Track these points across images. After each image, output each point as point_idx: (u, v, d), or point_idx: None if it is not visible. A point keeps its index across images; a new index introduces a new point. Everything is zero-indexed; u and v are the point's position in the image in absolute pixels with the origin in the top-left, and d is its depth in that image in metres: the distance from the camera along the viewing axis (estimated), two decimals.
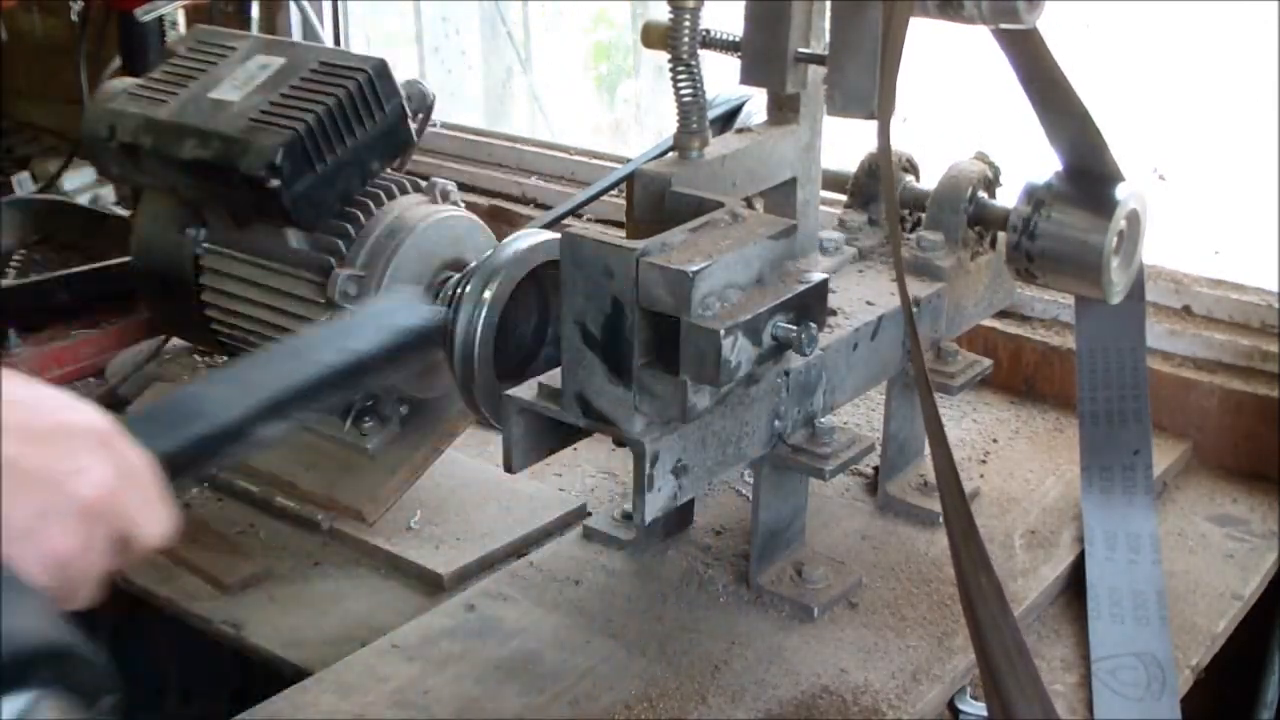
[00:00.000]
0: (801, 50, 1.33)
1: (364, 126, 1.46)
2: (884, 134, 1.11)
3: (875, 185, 1.53)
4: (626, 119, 2.63)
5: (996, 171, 1.47)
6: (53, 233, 2.24)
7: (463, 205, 1.57)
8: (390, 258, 1.46)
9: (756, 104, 1.58)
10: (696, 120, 1.29)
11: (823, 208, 1.49)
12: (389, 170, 1.53)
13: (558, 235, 1.31)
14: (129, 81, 1.62)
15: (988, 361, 1.46)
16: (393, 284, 1.46)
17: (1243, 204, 1.79)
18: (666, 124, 1.69)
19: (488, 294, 1.36)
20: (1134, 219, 1.35)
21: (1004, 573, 1.36)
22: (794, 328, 1.12)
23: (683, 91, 1.28)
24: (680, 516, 1.44)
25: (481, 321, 1.35)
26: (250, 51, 1.57)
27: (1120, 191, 1.33)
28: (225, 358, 1.72)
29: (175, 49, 1.64)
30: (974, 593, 1.06)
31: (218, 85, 1.53)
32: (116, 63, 2.16)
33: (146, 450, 0.80)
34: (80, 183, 2.50)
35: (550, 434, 1.21)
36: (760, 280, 1.13)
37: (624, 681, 1.21)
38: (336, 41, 2.41)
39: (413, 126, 1.53)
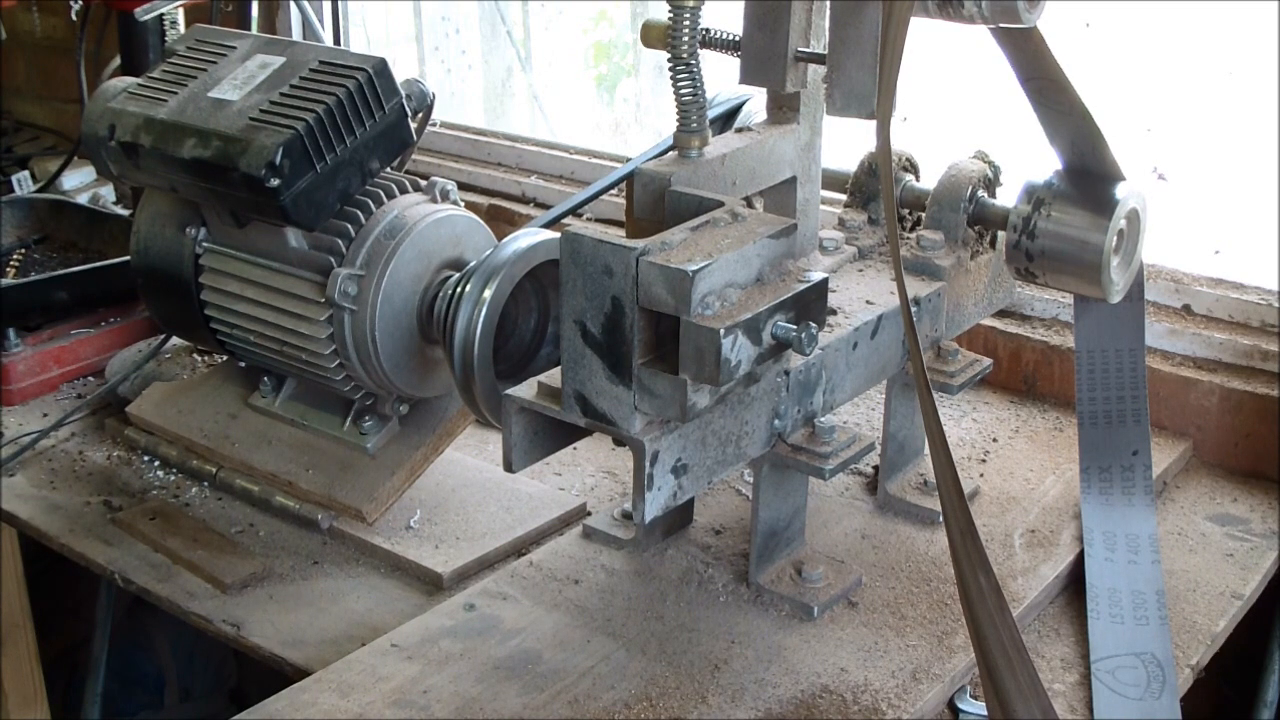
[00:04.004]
0: (801, 50, 1.34)
1: (364, 126, 1.46)
2: (884, 133, 1.11)
3: (875, 184, 1.53)
4: (626, 118, 2.63)
5: (996, 171, 1.47)
6: (53, 232, 2.24)
7: (462, 204, 1.57)
8: (390, 257, 1.46)
9: (756, 103, 1.58)
10: (696, 119, 1.29)
11: (823, 207, 1.49)
12: (389, 170, 1.53)
13: (557, 234, 1.32)
14: (129, 81, 1.62)
15: (988, 361, 1.46)
16: (392, 283, 1.46)
17: (1243, 204, 1.79)
18: (666, 124, 1.69)
19: (487, 293, 1.36)
20: (1134, 218, 1.35)
21: (1004, 572, 1.36)
22: (794, 327, 1.12)
23: (682, 90, 1.28)
24: (680, 516, 1.44)
25: (481, 321, 1.36)
26: (250, 51, 1.57)
27: (1120, 191, 1.33)
28: (225, 357, 1.71)
29: (175, 48, 1.64)
30: (973, 592, 1.05)
31: (217, 85, 1.53)
32: (116, 63, 2.16)
33: None
34: (80, 182, 2.51)
35: (550, 433, 1.21)
36: (760, 279, 1.13)
37: (624, 681, 1.21)
38: (336, 41, 2.41)
39: (412, 126, 1.53)
